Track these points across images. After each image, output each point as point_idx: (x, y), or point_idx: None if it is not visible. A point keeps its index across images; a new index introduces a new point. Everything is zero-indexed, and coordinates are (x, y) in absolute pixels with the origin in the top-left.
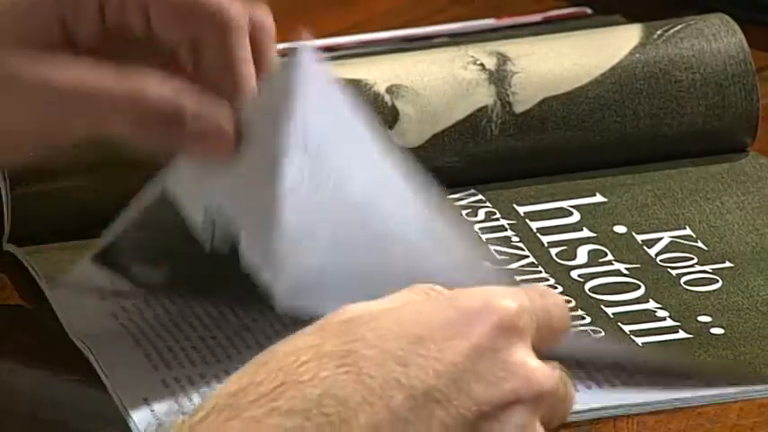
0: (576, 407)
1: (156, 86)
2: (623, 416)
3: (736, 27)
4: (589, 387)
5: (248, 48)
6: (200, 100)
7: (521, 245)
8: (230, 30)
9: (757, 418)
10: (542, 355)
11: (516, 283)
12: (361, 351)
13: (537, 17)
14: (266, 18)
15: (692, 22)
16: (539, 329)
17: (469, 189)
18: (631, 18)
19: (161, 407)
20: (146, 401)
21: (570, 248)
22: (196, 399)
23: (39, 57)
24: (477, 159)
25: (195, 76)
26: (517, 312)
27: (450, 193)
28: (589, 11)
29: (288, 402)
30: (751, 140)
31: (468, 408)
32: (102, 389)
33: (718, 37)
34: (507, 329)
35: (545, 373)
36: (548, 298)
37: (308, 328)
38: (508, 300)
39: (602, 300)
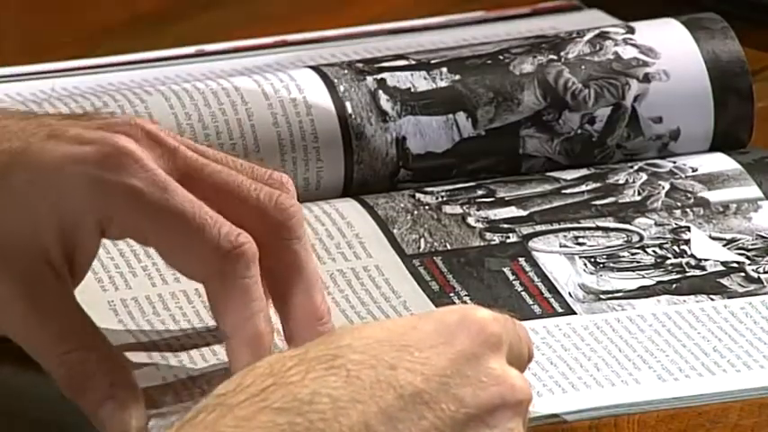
0: (577, 407)
1: (103, 362)
2: (623, 415)
3: (729, 30)
4: (589, 387)
5: (254, 285)
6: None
7: None
8: (239, 272)
9: (758, 419)
10: None
11: None
12: (349, 356)
13: (526, 9)
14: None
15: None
16: (510, 348)
17: None
18: (621, 15)
19: (163, 404)
20: (146, 400)
21: None
22: (197, 395)
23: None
24: None
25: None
26: (493, 322)
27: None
28: (577, 2)
29: (278, 401)
30: (747, 140)
31: (456, 410)
32: None
33: (711, 37)
34: (486, 338)
35: (525, 382)
36: (515, 322)
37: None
38: (485, 311)
39: None
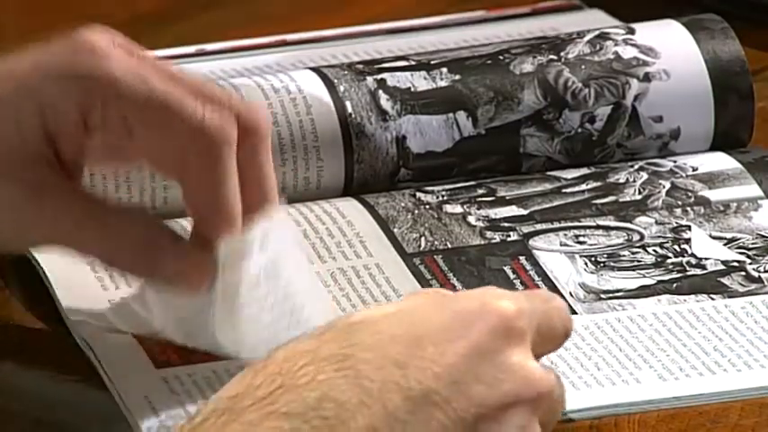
0: (578, 406)
1: (133, 229)
2: (624, 415)
3: (730, 30)
4: (590, 386)
5: (233, 166)
6: (175, 244)
7: None
8: (215, 147)
9: (758, 418)
10: (540, 357)
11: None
12: (359, 355)
13: (526, 8)
14: (261, 123)
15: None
16: (539, 332)
17: None
18: (622, 15)
19: (163, 405)
20: (147, 400)
21: None
22: (197, 396)
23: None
24: None
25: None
26: (515, 314)
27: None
28: (577, 2)
29: (286, 405)
30: (748, 140)
31: (466, 410)
32: (104, 389)
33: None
34: (505, 331)
35: (543, 375)
36: (550, 302)
37: (306, 335)
38: (506, 301)
39: None
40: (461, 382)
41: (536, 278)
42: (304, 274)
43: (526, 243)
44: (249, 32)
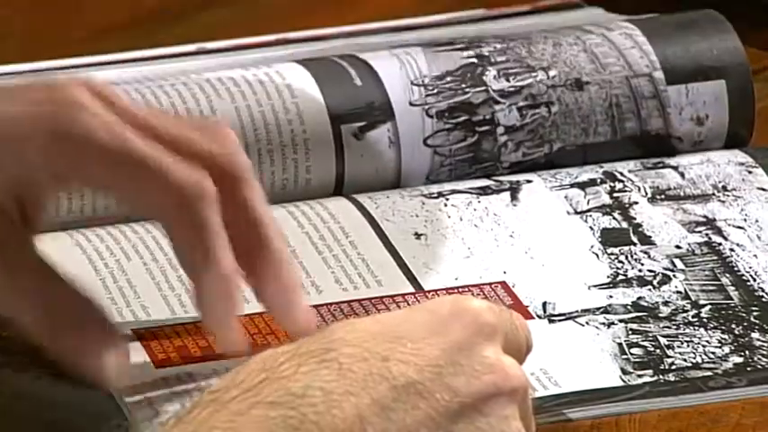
0: (579, 406)
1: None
2: (625, 414)
3: (729, 26)
4: (590, 386)
5: (214, 220)
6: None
7: None
8: (193, 203)
9: (759, 418)
10: None
11: None
12: (341, 349)
13: (526, 7)
14: (240, 165)
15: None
16: (506, 341)
17: None
18: (621, 13)
19: (163, 405)
20: (148, 400)
21: None
22: (197, 396)
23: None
24: None
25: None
26: (487, 311)
27: None
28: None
29: (271, 395)
30: (748, 140)
31: (450, 400)
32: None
33: (713, 36)
34: (479, 327)
35: (519, 370)
36: (512, 313)
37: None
38: (477, 301)
39: None
40: (443, 375)
41: None
42: None
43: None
44: (251, 31)
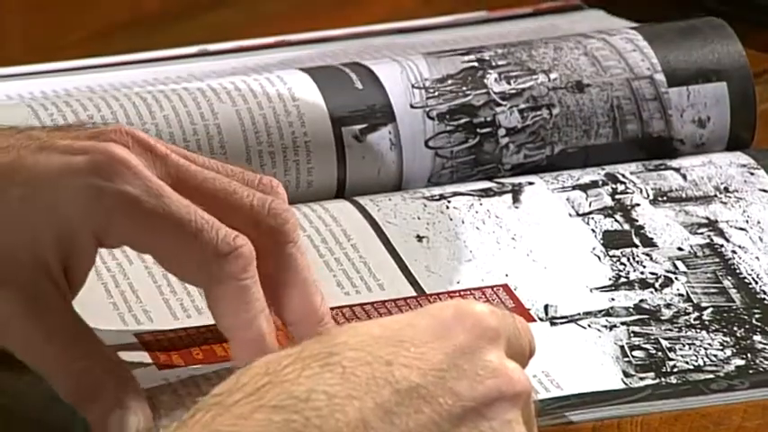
0: (581, 408)
1: (110, 373)
2: (627, 417)
3: (730, 30)
4: (592, 389)
5: (255, 287)
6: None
7: None
8: (233, 271)
9: (761, 420)
10: None
11: None
12: (345, 353)
13: (528, 9)
14: (288, 228)
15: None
16: (509, 345)
17: None
18: (622, 15)
19: (165, 404)
20: (150, 400)
21: None
22: (199, 396)
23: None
24: None
25: None
26: (489, 315)
27: None
28: (578, 2)
29: (274, 399)
30: (750, 142)
31: (453, 404)
32: None
33: (714, 40)
34: (482, 331)
35: (523, 374)
36: (516, 318)
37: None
38: (480, 305)
39: None
40: (446, 379)
41: None
42: None
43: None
44: (253, 33)
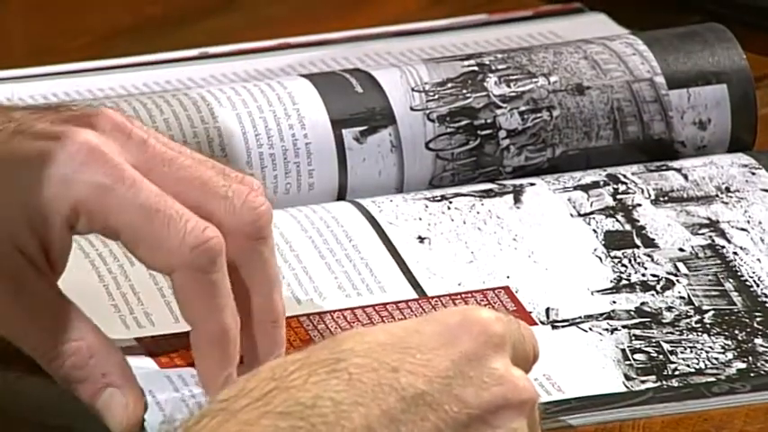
0: (582, 412)
1: (99, 351)
2: (629, 420)
3: (731, 34)
4: (593, 392)
5: (223, 280)
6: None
7: None
8: (200, 273)
9: (763, 424)
10: None
11: None
12: (351, 359)
13: (528, 12)
14: (261, 224)
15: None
16: (514, 351)
17: None
18: (622, 18)
19: (166, 403)
20: (152, 394)
21: None
22: (200, 396)
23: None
24: None
25: None
26: (495, 321)
27: None
28: (579, 5)
29: (281, 405)
30: (751, 146)
31: (459, 411)
32: None
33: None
34: (490, 338)
35: (528, 382)
36: (520, 323)
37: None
38: (486, 312)
39: None
40: (452, 386)
41: None
42: None
43: None
44: (255, 37)
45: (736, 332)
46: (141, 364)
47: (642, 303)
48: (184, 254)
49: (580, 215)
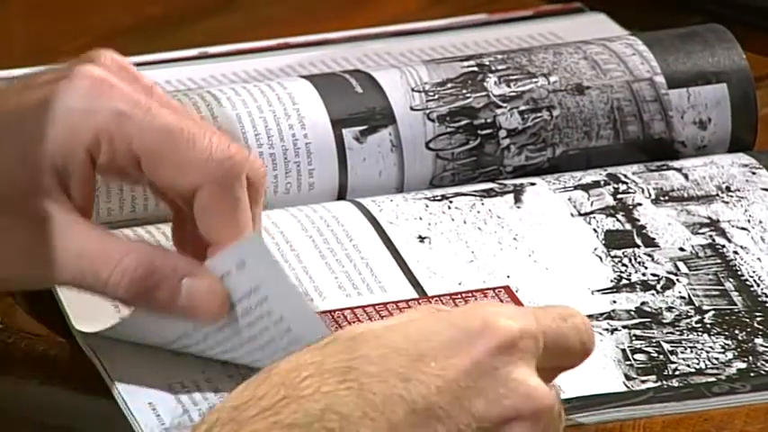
0: (582, 411)
1: (155, 256)
2: (630, 420)
3: (731, 35)
4: (594, 392)
5: (246, 199)
6: (191, 262)
7: None
8: (227, 186)
9: (763, 425)
10: (549, 376)
11: None
12: (363, 368)
13: (528, 12)
14: (260, 171)
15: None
16: (550, 350)
17: None
18: (623, 18)
19: (167, 412)
20: (151, 406)
21: None
22: (201, 403)
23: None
24: None
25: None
26: (518, 334)
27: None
28: (579, 5)
29: (290, 416)
30: (752, 146)
31: (468, 424)
32: (109, 395)
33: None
34: (507, 350)
35: (543, 392)
36: (567, 320)
37: (310, 347)
38: (510, 321)
39: None
40: (463, 397)
41: None
42: (291, 297)
43: None
44: (253, 37)
45: (737, 332)
46: (142, 370)
47: (642, 303)
48: (212, 168)
49: (580, 215)
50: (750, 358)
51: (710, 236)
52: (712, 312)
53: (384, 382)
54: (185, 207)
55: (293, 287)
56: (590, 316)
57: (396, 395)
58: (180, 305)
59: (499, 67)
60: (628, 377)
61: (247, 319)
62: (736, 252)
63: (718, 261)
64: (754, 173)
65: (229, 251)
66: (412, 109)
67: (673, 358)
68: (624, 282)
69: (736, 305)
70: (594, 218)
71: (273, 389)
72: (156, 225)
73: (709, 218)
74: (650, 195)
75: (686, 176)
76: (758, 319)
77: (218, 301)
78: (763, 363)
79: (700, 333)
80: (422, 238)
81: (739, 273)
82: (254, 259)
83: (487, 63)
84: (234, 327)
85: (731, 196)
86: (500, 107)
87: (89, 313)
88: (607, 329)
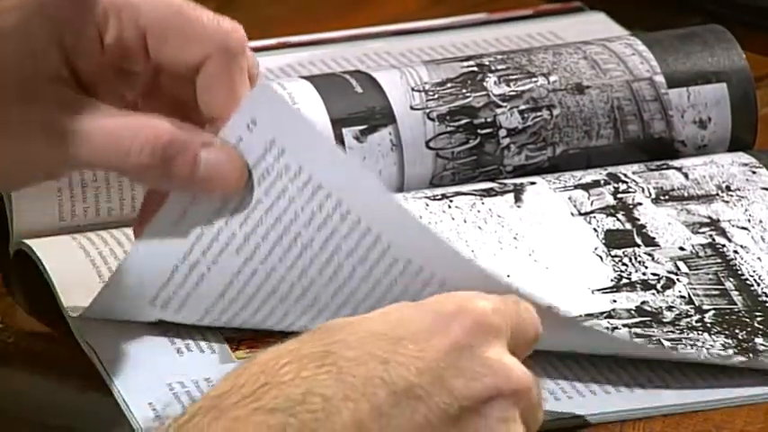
0: (584, 411)
1: (174, 128)
2: (630, 420)
3: (730, 35)
4: (594, 392)
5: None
6: (206, 135)
7: None
8: (233, 55)
9: (763, 424)
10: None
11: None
12: (341, 352)
13: (528, 11)
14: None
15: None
16: (512, 335)
17: None
18: (622, 18)
19: (166, 411)
20: (151, 406)
21: None
22: (192, 390)
23: (56, 100)
24: None
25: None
26: (491, 312)
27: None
28: (579, 4)
29: (271, 401)
30: (752, 146)
31: (449, 403)
32: (108, 394)
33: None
34: (483, 327)
35: (522, 371)
36: (519, 304)
37: (288, 340)
38: (482, 301)
39: None
40: (443, 377)
41: None
42: (308, 139)
43: None
44: (253, 37)
45: (737, 331)
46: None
47: (643, 302)
48: (220, 36)
49: (581, 214)
50: (750, 357)
51: (711, 235)
52: (712, 312)
53: (363, 365)
54: (185, 90)
55: (312, 128)
56: (590, 315)
57: (376, 377)
58: (199, 177)
59: (499, 67)
60: None
61: (264, 185)
62: (736, 251)
63: (719, 260)
64: (754, 172)
65: (238, 113)
66: (412, 108)
67: None
68: (624, 281)
69: (736, 305)
70: (595, 217)
71: (253, 377)
72: None
73: (710, 217)
74: (650, 195)
75: (686, 176)
76: (758, 318)
77: (237, 170)
78: (764, 362)
79: (700, 332)
80: None
81: (739, 272)
82: (265, 110)
83: (487, 63)
84: (248, 199)
85: (731, 196)
86: (500, 106)
87: (81, 296)
88: (607, 328)
